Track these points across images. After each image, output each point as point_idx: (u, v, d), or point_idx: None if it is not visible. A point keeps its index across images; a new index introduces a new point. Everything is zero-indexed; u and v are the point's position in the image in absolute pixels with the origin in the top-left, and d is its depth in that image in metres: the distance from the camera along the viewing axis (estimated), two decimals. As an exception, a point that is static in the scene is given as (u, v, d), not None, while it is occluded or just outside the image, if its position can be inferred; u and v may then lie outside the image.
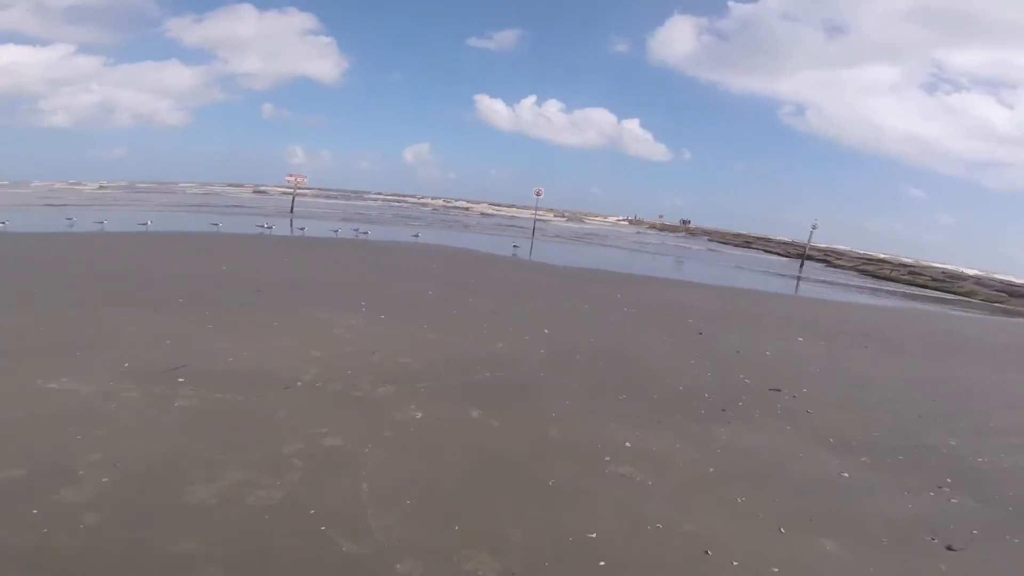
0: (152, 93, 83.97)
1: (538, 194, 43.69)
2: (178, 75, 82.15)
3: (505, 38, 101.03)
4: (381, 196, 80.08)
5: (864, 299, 23.98)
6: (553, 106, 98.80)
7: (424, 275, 14.84)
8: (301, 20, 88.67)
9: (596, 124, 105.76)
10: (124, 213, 27.04)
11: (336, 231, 25.93)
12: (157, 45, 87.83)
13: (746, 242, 64.03)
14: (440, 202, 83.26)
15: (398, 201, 75.20)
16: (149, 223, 20.35)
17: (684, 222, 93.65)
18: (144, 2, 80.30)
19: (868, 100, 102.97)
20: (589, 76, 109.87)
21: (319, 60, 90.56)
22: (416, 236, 26.10)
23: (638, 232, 67.28)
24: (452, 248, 23.99)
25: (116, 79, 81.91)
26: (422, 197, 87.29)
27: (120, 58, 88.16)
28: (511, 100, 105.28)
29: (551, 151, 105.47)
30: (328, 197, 68.16)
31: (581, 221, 76.97)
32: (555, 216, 78.40)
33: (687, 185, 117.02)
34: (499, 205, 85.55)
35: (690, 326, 11.46)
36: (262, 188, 64.55)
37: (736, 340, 10.49)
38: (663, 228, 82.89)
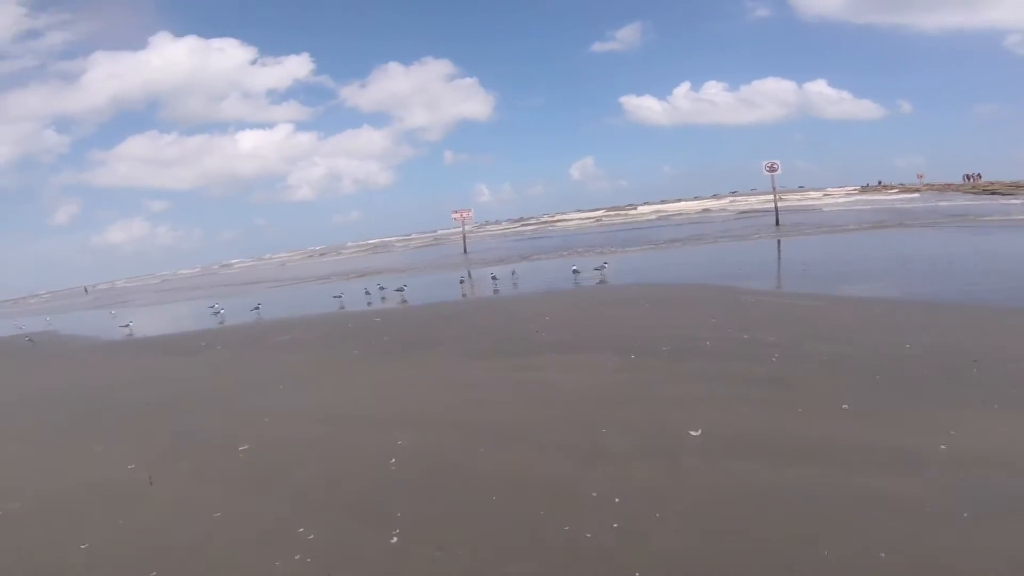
0: (361, 159, 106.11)
1: (772, 169, 28.74)
2: (372, 139, 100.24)
3: (627, 35, 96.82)
4: (568, 217, 71.84)
5: None
6: (713, 88, 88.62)
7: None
8: (440, 67, 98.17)
9: (771, 95, 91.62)
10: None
11: (462, 280, 16.67)
12: (344, 115, 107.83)
13: None
14: (601, 212, 71.06)
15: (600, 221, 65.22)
16: (258, 308, 16.32)
17: (971, 177, 64.04)
18: (319, 77, 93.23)
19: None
20: (740, 49, 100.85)
21: (469, 101, 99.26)
22: (576, 272, 14.94)
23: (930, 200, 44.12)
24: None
25: (330, 150, 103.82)
26: (595, 209, 76.45)
27: (327, 131, 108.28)
28: (661, 93, 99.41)
29: (725, 134, 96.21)
30: (510, 226, 65.75)
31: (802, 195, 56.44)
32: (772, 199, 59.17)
33: (918, 139, 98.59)
34: (670, 200, 70.62)
35: None
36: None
37: None
38: (943, 188, 56.13)
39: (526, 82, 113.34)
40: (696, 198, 69.18)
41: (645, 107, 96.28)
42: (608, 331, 8.27)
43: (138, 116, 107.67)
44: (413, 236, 76.92)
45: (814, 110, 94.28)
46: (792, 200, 45.84)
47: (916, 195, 44.72)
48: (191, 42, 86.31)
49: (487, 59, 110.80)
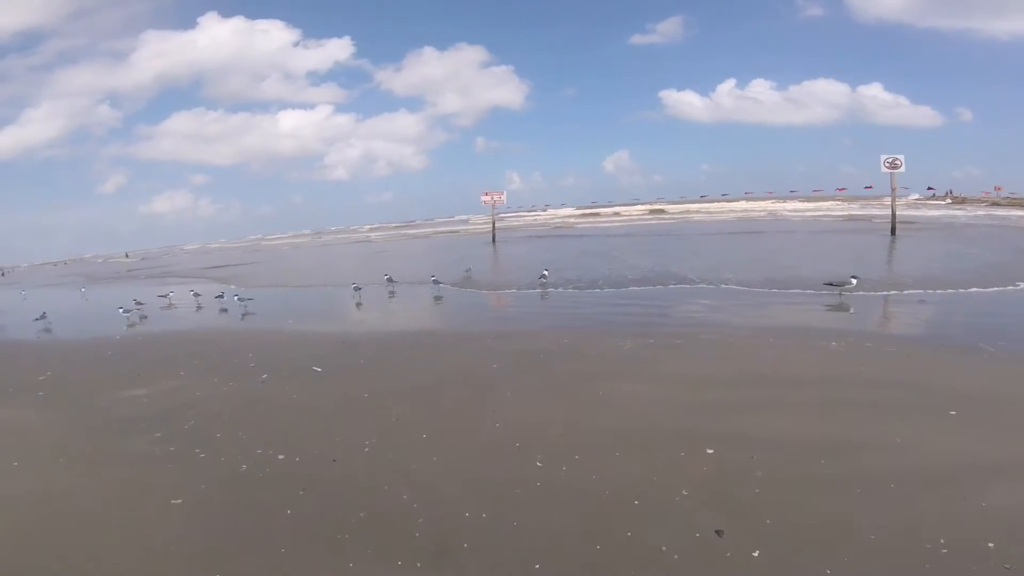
0: (397, 142, 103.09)
1: (894, 166, 22.15)
2: (408, 123, 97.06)
3: (668, 28, 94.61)
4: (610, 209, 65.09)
5: None
6: (759, 86, 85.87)
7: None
8: (474, 54, 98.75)
9: (821, 96, 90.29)
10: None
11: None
12: (380, 98, 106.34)
13: None
14: (642, 208, 63.58)
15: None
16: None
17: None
18: (359, 61, 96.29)
19: None
20: (790, 48, 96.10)
21: (502, 88, 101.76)
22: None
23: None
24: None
25: (367, 132, 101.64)
26: (633, 202, 69.38)
27: (364, 113, 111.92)
28: (704, 89, 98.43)
29: (768, 134, 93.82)
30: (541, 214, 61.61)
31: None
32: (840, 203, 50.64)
33: (977, 150, 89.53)
34: (710, 200, 62.18)
35: None
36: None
37: None
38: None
39: (561, 72, 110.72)
40: (747, 196, 60.96)
41: (685, 102, 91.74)
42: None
43: (183, 93, 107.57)
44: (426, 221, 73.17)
45: (866, 114, 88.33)
46: (876, 209, 37.90)
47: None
48: (237, 23, 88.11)
49: (522, 47, 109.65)
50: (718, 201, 59.04)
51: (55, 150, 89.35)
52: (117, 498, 3.83)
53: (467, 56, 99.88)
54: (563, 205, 70.94)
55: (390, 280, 13.90)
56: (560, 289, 11.91)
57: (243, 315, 11.61)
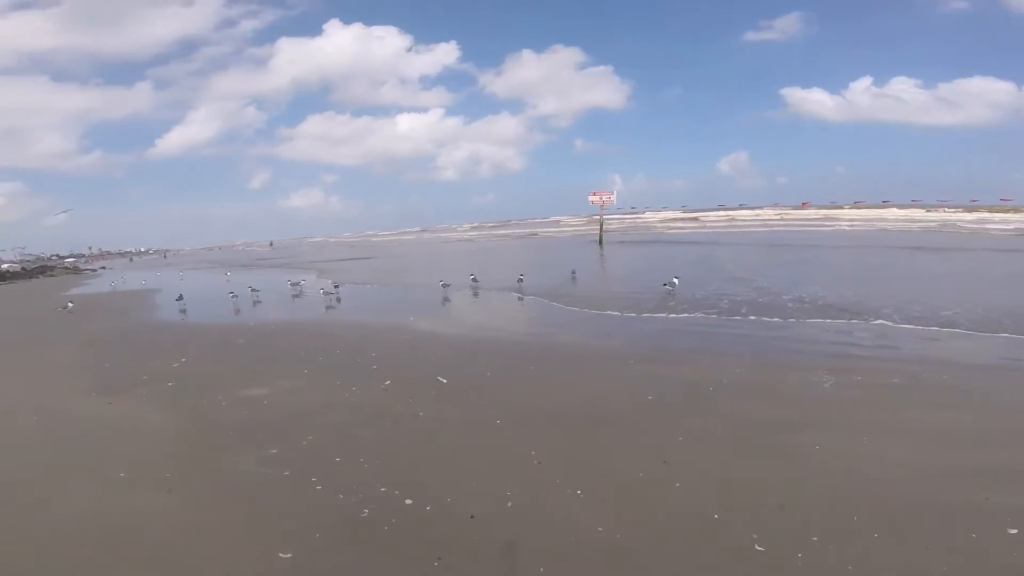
0: (499, 144, 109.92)
1: None
2: (509, 125, 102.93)
3: (786, 24, 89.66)
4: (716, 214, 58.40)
5: None
6: (902, 84, 76.78)
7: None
8: (570, 55, 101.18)
9: (978, 96, 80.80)
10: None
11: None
12: (484, 101, 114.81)
13: None
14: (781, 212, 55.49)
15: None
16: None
17: None
18: (464, 65, 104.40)
19: None
20: (937, 44, 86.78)
21: (600, 89, 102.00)
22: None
23: None
24: None
25: (473, 135, 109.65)
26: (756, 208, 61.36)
27: (470, 116, 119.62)
28: (834, 87, 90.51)
29: (914, 135, 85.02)
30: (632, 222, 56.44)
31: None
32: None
33: None
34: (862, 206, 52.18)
35: None
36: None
37: None
38: None
39: (665, 71, 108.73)
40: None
41: (813, 100, 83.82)
42: None
43: (314, 97, 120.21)
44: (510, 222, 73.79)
45: (1036, 115, 74.00)
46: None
47: None
48: (357, 30, 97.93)
49: (621, 47, 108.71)
50: (874, 208, 49.55)
51: (212, 149, 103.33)
52: (215, 538, 3.18)
53: (563, 58, 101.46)
54: (683, 207, 66.24)
55: (475, 280, 14.04)
56: (690, 314, 9.26)
57: (327, 308, 12.26)
